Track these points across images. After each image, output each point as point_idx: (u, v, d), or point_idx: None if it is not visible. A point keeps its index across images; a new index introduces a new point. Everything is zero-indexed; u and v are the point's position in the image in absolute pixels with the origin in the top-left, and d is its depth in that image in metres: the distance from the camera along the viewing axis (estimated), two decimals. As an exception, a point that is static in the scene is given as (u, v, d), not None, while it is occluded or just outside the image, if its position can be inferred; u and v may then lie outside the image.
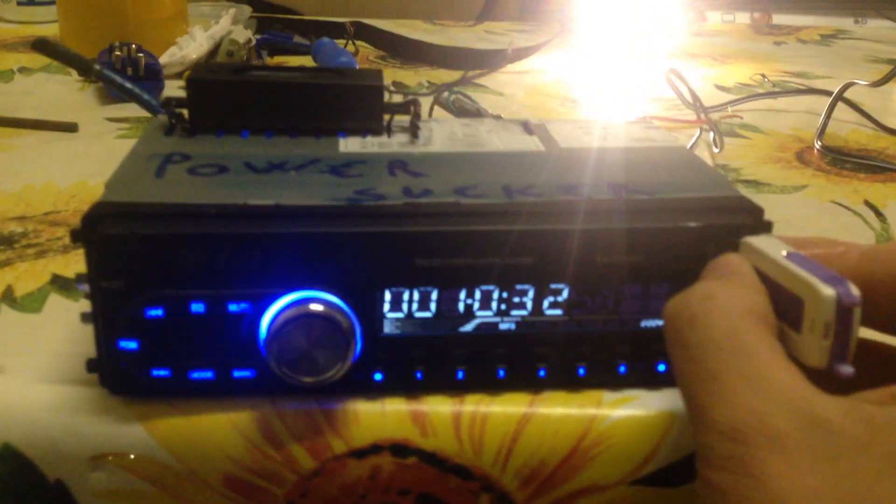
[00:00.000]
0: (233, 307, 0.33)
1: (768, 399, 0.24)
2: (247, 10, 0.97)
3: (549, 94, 0.84)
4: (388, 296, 0.34)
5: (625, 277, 0.35)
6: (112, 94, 0.74)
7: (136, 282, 0.32)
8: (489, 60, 0.91)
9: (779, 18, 1.24)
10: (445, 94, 0.58)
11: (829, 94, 0.75)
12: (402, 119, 0.45)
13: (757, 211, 0.35)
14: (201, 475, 0.34)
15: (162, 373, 0.34)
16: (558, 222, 0.34)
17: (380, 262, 0.33)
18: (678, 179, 0.38)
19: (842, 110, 0.75)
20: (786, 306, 0.30)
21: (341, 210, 0.34)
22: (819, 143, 0.68)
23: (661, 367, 0.36)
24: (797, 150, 0.68)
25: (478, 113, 0.58)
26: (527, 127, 0.46)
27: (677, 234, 0.34)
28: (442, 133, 0.44)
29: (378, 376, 0.35)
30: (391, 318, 0.34)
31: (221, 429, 0.34)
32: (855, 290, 0.28)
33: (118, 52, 0.77)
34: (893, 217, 0.55)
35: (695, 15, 1.23)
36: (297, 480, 0.35)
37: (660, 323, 0.35)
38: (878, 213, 0.55)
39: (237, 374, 0.34)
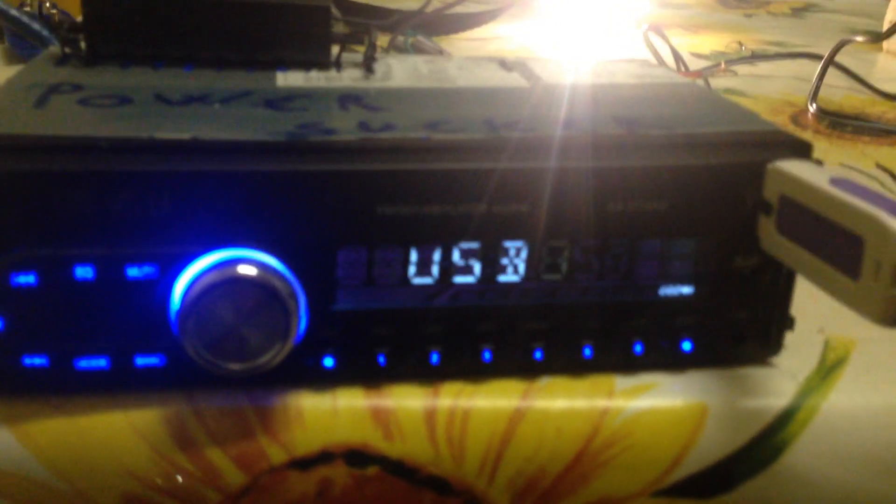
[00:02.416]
0: (133, 272, 0.25)
1: None
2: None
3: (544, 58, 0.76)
4: (341, 257, 0.26)
5: (641, 231, 0.28)
6: (20, 52, 0.65)
7: (-2, 237, 0.24)
8: (453, 23, 0.83)
9: (746, -7, 1.18)
10: (401, 38, 0.50)
11: (816, 57, 0.69)
12: (355, 55, 0.37)
13: (804, 147, 0.28)
14: (92, 497, 0.26)
15: (38, 361, 0.25)
16: (558, 160, 0.26)
17: (331, 211, 0.26)
18: (699, 114, 0.31)
19: (832, 76, 0.69)
20: (836, 247, 0.23)
21: (279, 145, 0.26)
22: (814, 105, 0.62)
23: (687, 346, 0.29)
24: (790, 113, 0.62)
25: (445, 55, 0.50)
26: (504, 64, 0.38)
27: (708, 175, 0.27)
28: (403, 69, 0.36)
29: (329, 361, 0.27)
30: (346, 287, 0.27)
31: (119, 434, 0.26)
32: None
33: (28, 8, 0.67)
34: (911, 180, 0.49)
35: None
36: (222, 501, 0.27)
37: (684, 290, 0.28)
38: (895, 177, 0.49)
39: (140, 361, 0.26)
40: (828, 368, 0.29)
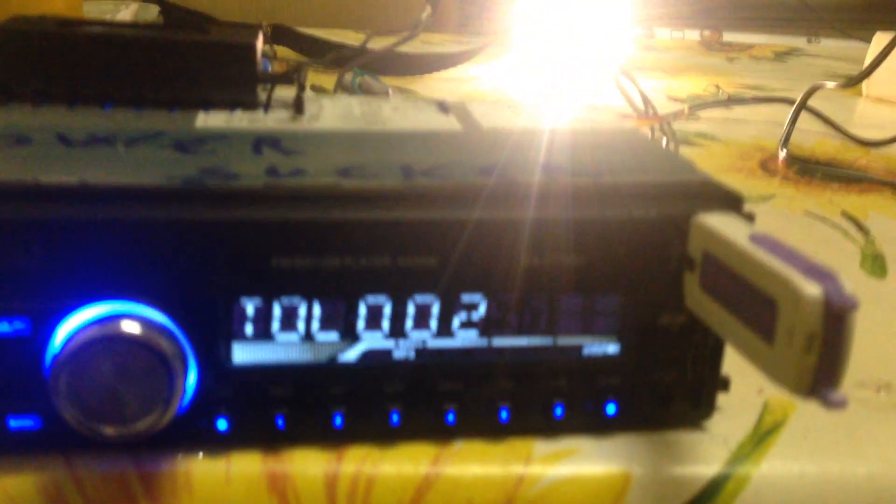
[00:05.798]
0: (3, 327, 0.23)
1: None
2: (153, 9, 0.87)
3: (486, 101, 0.75)
4: (236, 310, 0.25)
5: (560, 287, 0.26)
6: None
7: None
8: (424, 64, 0.82)
9: (729, 36, 1.18)
10: (348, 75, 0.49)
11: (791, 102, 0.68)
12: (287, 95, 0.36)
13: (735, 199, 0.26)
14: (-42, 569, 0.24)
15: None
16: (471, 210, 0.25)
17: (222, 262, 0.24)
18: (631, 161, 0.29)
19: (805, 121, 0.68)
20: (753, 309, 0.22)
21: (172, 191, 0.24)
22: (784, 151, 0.60)
23: (611, 409, 0.27)
24: (760, 159, 0.61)
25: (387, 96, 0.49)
26: (442, 106, 0.37)
27: (632, 228, 0.26)
28: (334, 110, 0.35)
29: (222, 424, 0.25)
30: (242, 343, 0.25)
31: (-10, 501, 0.24)
32: (849, 287, 0.20)
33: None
34: (877, 230, 0.47)
35: (643, 31, 1.16)
36: (101, 574, 0.25)
37: (608, 349, 0.27)
38: (860, 226, 0.47)
39: (14, 423, 0.24)
40: (762, 434, 0.27)
